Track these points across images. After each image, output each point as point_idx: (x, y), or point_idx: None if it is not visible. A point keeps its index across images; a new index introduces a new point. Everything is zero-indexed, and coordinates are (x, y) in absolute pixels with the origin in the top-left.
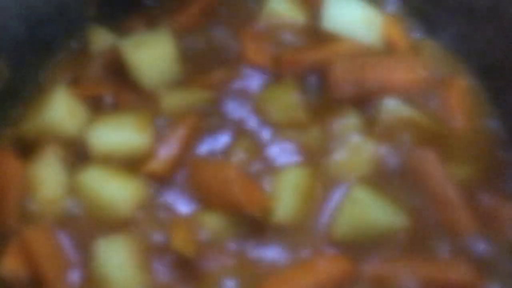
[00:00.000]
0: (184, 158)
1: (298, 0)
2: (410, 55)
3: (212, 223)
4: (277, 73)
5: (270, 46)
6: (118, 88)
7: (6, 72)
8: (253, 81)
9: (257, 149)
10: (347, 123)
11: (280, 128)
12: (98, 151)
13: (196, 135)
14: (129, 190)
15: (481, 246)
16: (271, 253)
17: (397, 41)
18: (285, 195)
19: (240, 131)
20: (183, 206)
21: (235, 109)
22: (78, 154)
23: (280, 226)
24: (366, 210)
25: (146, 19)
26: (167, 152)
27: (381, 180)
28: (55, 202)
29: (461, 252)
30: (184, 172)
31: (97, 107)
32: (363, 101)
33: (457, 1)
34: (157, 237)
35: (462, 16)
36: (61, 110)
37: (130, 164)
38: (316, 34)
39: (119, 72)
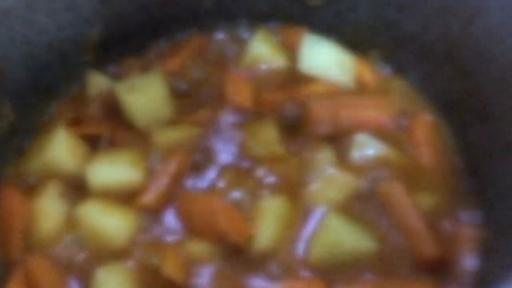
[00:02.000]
0: (174, 191)
1: (277, 45)
2: (379, 94)
3: (200, 250)
4: (257, 112)
5: (251, 87)
6: (114, 127)
7: (11, 115)
8: (235, 119)
9: (240, 181)
10: (322, 157)
11: (261, 162)
12: (95, 186)
13: (185, 169)
14: (124, 221)
15: (441, 267)
16: (253, 277)
17: (368, 82)
18: (266, 223)
19: (224, 165)
20: (173, 235)
21: (220, 145)
22: (77, 189)
23: (261, 252)
24: (339, 236)
25: (139, 64)
26: (158, 185)
27: (353, 208)
28: (56, 233)
29: (423, 272)
30: (174, 203)
31: (94, 145)
32: (337, 137)
33: (419, 45)
34: (150, 263)
35: (425, 58)
36: (61, 148)
37: (125, 197)
38: (293, 76)
39: (114, 113)
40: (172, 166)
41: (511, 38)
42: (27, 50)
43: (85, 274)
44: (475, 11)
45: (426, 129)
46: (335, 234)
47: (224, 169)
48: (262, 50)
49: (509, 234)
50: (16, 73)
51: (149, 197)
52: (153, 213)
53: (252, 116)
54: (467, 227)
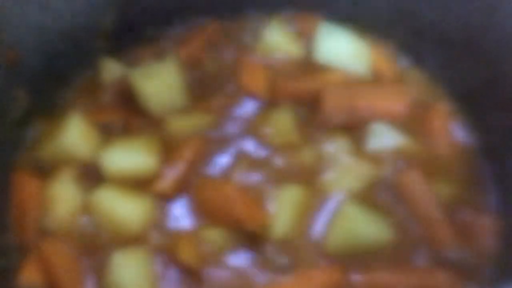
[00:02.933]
0: (189, 178)
1: (293, 33)
2: (396, 83)
3: (215, 238)
4: (272, 100)
5: (266, 76)
6: (128, 114)
7: (26, 100)
8: (251, 107)
9: (256, 169)
10: (338, 146)
11: (277, 150)
12: (110, 172)
13: (200, 156)
14: (139, 207)
15: (459, 256)
16: (269, 265)
17: (384, 71)
18: (282, 212)
19: (240, 153)
20: (188, 222)
21: (235, 133)
22: (91, 175)
23: (277, 240)
24: (355, 225)
25: (153, 51)
26: (173, 172)
27: (369, 197)
28: (71, 219)
29: (441, 262)
30: (189, 190)
31: (109, 132)
32: (353, 126)
33: (437, 34)
34: (165, 249)
35: (442, 48)
36: (75, 134)
37: (140, 184)
38: (309, 64)
39: (129, 100)
40: (187, 153)
41: None
42: (41, 36)
43: (100, 260)
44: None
45: (443, 119)
46: (352, 223)
47: (240, 157)
48: (278, 39)
49: None
50: (31, 59)
51: (164, 184)
52: (168, 199)
53: (267, 104)
54: (485, 216)
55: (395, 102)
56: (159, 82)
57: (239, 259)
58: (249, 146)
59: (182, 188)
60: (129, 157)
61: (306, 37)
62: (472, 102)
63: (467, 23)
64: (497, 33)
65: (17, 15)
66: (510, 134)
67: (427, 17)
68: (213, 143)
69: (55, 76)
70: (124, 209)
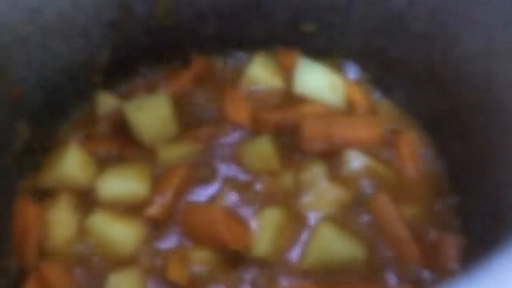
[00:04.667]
0: (178, 202)
1: (274, 68)
2: (368, 114)
3: (202, 257)
4: (255, 130)
5: (249, 107)
6: (122, 144)
7: (27, 132)
8: (234, 136)
9: (239, 193)
10: (316, 171)
11: (258, 176)
12: (105, 198)
13: (188, 182)
14: (132, 231)
15: (425, 274)
16: (252, 282)
17: (358, 102)
18: (263, 232)
19: (224, 178)
20: (177, 243)
21: (220, 160)
22: (88, 201)
23: (259, 259)
24: (330, 244)
25: (145, 85)
26: (163, 198)
27: (343, 219)
28: (69, 242)
29: (408, 280)
30: (178, 214)
31: (104, 160)
32: (329, 153)
33: (404, 69)
34: (156, 270)
35: (409, 80)
36: (73, 163)
37: (133, 209)
38: (289, 96)
39: (123, 130)
40: (175, 180)
41: (484, 65)
42: (42, 73)
43: (96, 281)
44: (453, 39)
45: (411, 145)
46: (327, 242)
47: (224, 182)
48: (260, 72)
49: (486, 242)
50: (32, 94)
51: (154, 209)
52: (159, 223)
53: (250, 133)
54: (449, 236)
55: (368, 131)
56: (151, 114)
57: (225, 278)
58: (233, 172)
59: (171, 212)
60: (123, 184)
61: (286, 71)
62: (436, 131)
63: (429, 59)
64: (454, 70)
65: (21, 54)
66: (470, 160)
67: (395, 53)
68: (200, 170)
69: (54, 109)
70: (118, 232)
